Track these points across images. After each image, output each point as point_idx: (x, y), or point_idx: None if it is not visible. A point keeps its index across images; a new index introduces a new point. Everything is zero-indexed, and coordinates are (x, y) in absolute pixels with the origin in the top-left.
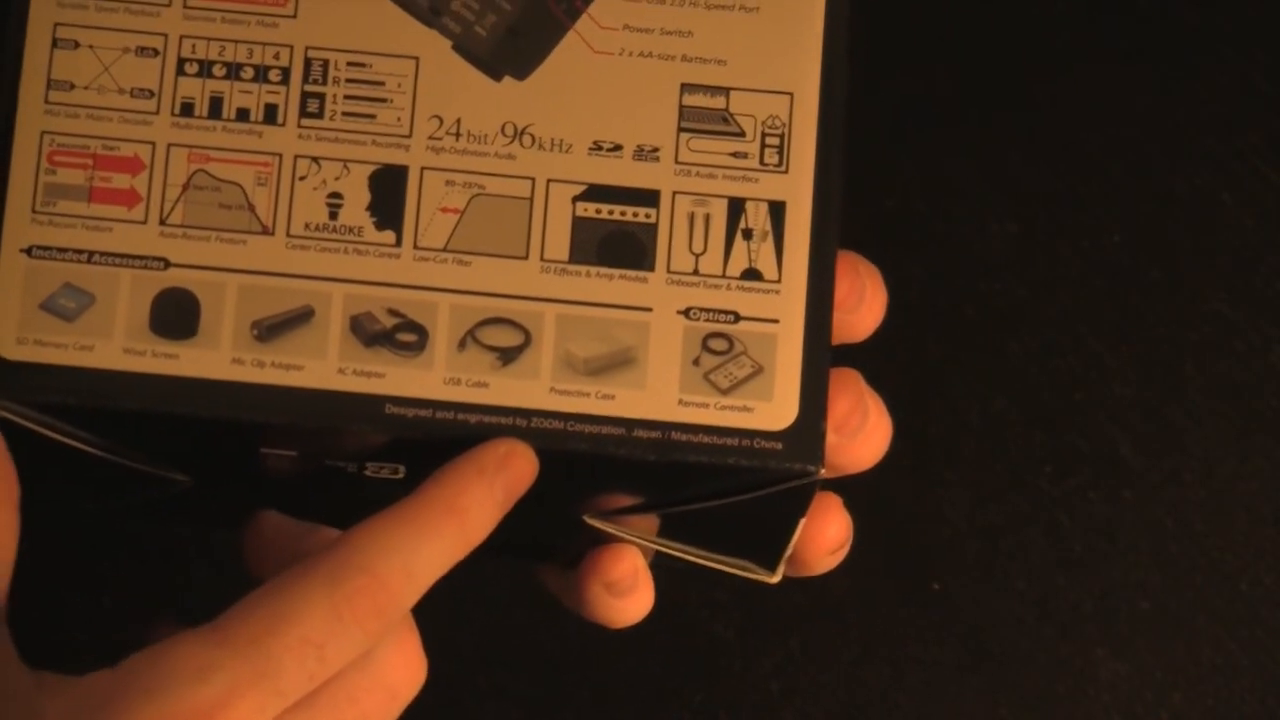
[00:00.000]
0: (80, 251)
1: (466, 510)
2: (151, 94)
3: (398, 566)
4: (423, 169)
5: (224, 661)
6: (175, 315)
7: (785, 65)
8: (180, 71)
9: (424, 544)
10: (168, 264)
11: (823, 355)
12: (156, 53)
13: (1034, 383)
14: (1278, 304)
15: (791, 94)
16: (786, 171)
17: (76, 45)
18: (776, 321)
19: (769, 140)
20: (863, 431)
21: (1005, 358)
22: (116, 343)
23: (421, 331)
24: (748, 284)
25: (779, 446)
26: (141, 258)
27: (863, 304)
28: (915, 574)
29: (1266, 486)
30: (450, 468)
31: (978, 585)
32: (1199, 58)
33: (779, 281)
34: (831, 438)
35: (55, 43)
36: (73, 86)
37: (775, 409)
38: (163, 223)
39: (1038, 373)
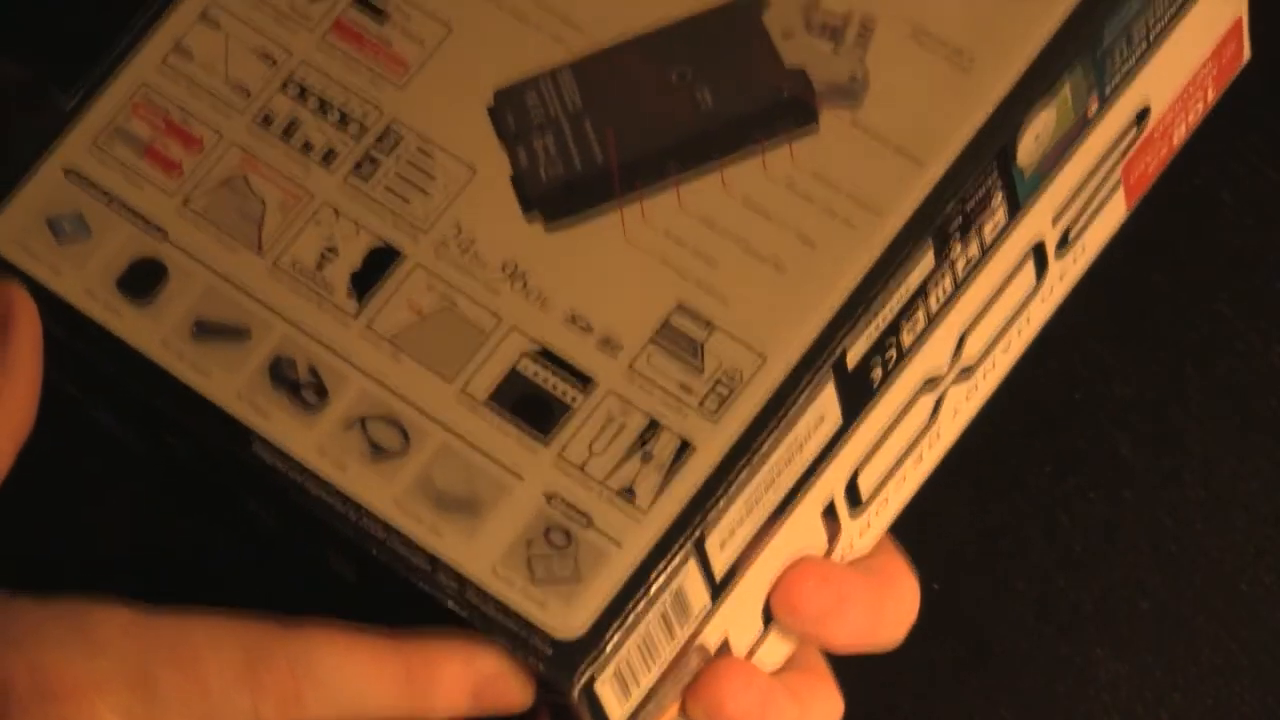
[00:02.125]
0: (107, 194)
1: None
2: (248, 94)
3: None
4: (417, 264)
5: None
6: (142, 280)
7: (775, 332)
8: (282, 87)
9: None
10: (165, 236)
11: (638, 597)
12: (274, 63)
13: (1034, 383)
14: (1278, 304)
15: (765, 358)
16: (717, 423)
17: (217, 26)
18: (619, 545)
19: (719, 388)
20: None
21: None
22: (82, 279)
23: (324, 397)
24: (618, 500)
25: (549, 652)
26: (149, 221)
27: (835, 618)
28: (915, 574)
29: (1266, 486)
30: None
31: (978, 585)
32: None
33: (646, 511)
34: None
35: (202, 16)
36: (192, 58)
37: (567, 618)
38: (185, 203)
39: (1038, 373)
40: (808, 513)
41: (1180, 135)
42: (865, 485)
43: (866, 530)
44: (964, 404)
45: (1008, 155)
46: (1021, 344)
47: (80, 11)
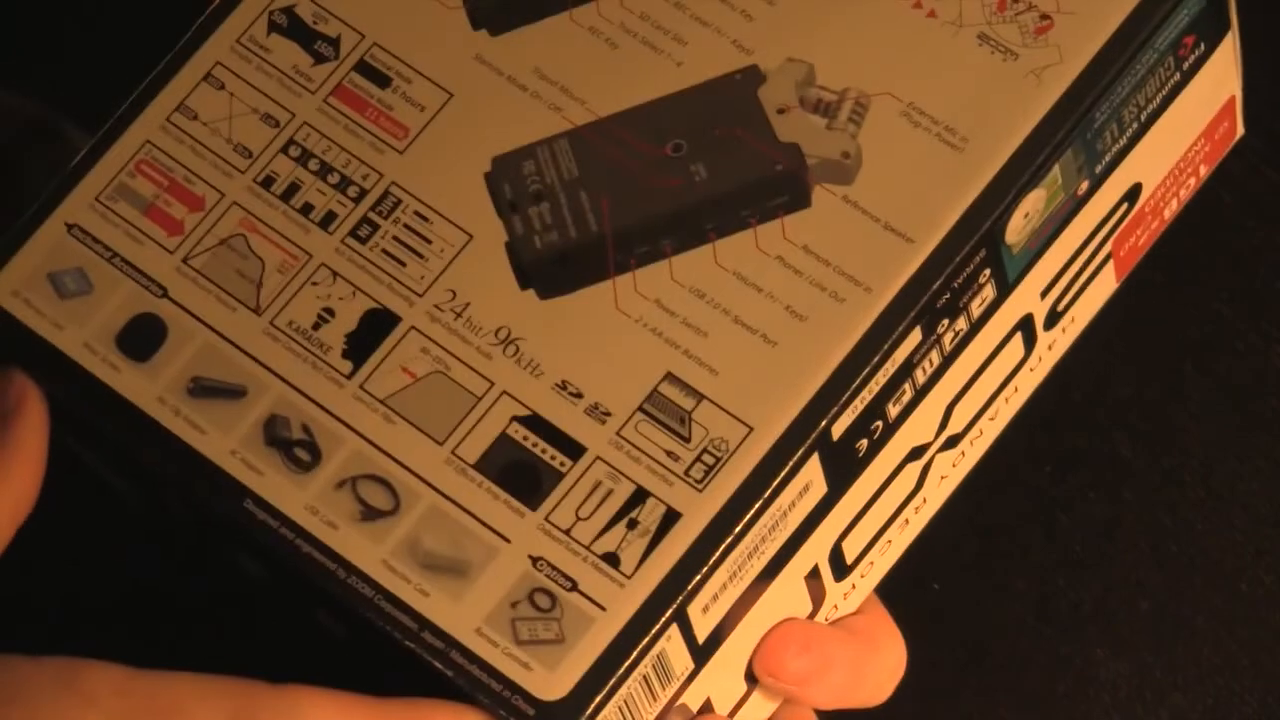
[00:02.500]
0: (109, 250)
1: None
2: (250, 155)
3: None
4: (411, 327)
5: None
6: (141, 338)
7: (764, 403)
8: (284, 149)
9: None
10: (165, 294)
11: (621, 661)
12: (277, 125)
13: None
14: (1278, 304)
15: (751, 429)
16: (702, 491)
17: (221, 87)
18: (604, 609)
19: (705, 457)
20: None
21: None
22: (82, 335)
23: (317, 457)
24: (603, 565)
25: (531, 713)
26: (149, 278)
27: (817, 681)
28: (915, 574)
29: (1266, 486)
30: None
31: (978, 585)
32: None
33: (630, 577)
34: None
35: (207, 76)
36: (195, 118)
37: (551, 681)
38: (185, 260)
39: None
40: (791, 579)
41: (1172, 210)
42: (850, 552)
43: (851, 592)
44: (951, 470)
45: (997, 234)
46: (1010, 411)
47: (92, 47)
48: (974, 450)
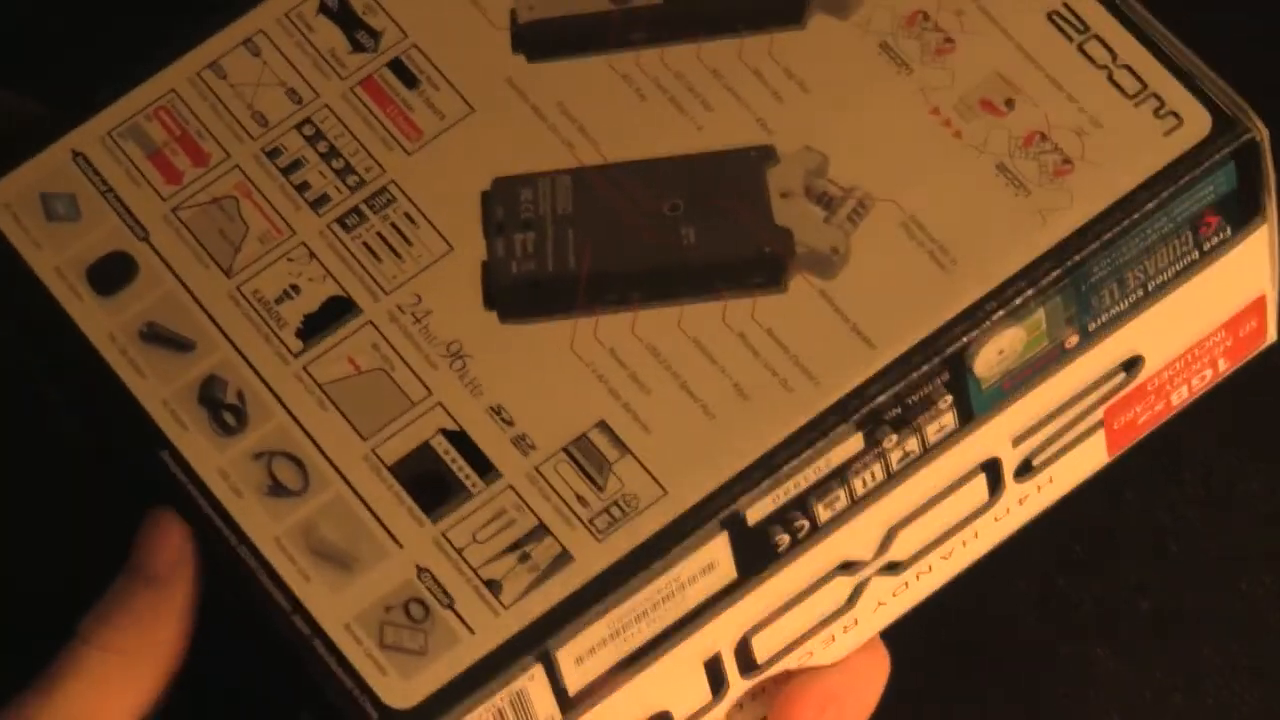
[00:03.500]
0: (105, 184)
1: None
2: (265, 124)
3: None
4: (369, 321)
5: None
6: (111, 273)
7: (685, 471)
8: (299, 126)
9: None
10: (146, 237)
11: (475, 686)
12: (300, 102)
13: None
14: None
15: (666, 493)
16: (601, 541)
17: (257, 54)
18: (473, 632)
19: (613, 510)
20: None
21: None
22: (56, 259)
23: (243, 424)
24: (484, 590)
25: (374, 716)
26: (136, 219)
27: None
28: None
29: (1266, 486)
30: None
31: (978, 585)
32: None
33: (507, 607)
34: None
35: (246, 41)
36: (224, 77)
37: (402, 690)
38: (174, 210)
39: None
40: (687, 659)
41: (1181, 398)
42: (762, 651)
43: (760, 695)
44: (890, 599)
45: (963, 361)
46: (967, 556)
47: (93, 47)
48: (920, 585)
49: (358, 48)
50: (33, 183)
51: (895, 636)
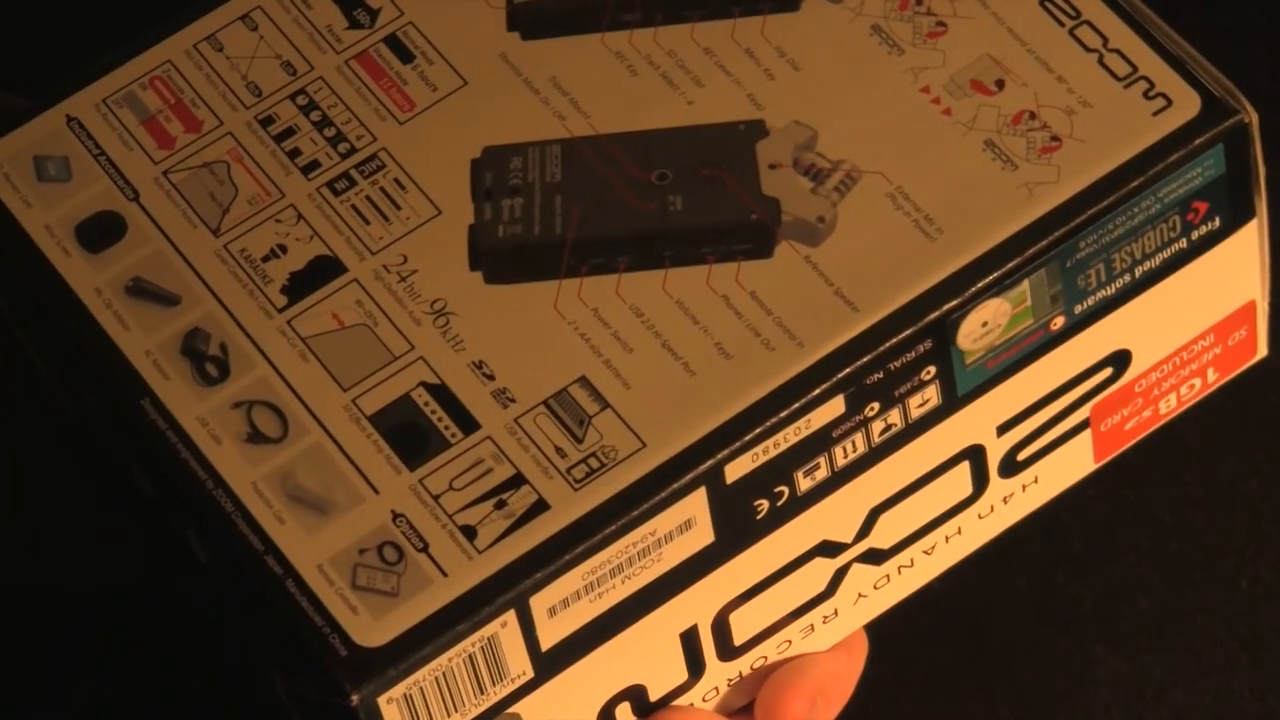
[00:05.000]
0: (98, 148)
1: None
2: (259, 94)
3: None
4: (354, 279)
5: None
6: (99, 231)
7: (665, 425)
8: (293, 96)
9: None
10: (136, 198)
11: (450, 628)
12: (294, 74)
13: None
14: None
15: (644, 445)
16: (578, 490)
17: (254, 29)
18: (446, 575)
19: (591, 460)
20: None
21: None
22: (46, 217)
23: (225, 374)
24: (458, 535)
25: (344, 654)
26: (126, 180)
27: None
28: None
29: (1266, 486)
30: None
31: (977, 584)
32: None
33: (481, 552)
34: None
35: (244, 16)
36: (221, 50)
37: (372, 629)
38: (165, 174)
39: None
40: (663, 629)
41: (1170, 406)
42: (739, 632)
43: (736, 680)
44: (872, 592)
45: (947, 331)
46: (951, 554)
47: (92, 47)
48: (902, 580)
49: (354, 24)
50: (26, 145)
51: (895, 635)
